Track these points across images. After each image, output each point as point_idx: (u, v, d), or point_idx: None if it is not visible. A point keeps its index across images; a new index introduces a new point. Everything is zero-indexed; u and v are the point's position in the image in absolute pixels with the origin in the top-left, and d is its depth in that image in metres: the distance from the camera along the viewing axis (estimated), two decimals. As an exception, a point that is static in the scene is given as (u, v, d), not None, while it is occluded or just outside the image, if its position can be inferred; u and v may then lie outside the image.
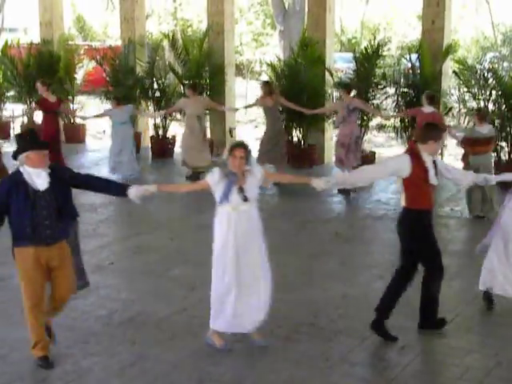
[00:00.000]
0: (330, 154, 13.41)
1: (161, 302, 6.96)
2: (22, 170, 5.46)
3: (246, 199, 5.75)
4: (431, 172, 5.97)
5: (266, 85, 11.93)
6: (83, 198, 10.76)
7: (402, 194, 6.12)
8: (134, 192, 5.75)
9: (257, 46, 28.59)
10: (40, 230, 5.44)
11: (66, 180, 5.60)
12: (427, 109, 10.78)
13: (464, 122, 12.54)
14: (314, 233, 9.42)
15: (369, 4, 32.10)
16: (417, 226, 6.04)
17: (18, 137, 5.65)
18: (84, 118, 14.50)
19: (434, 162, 6.02)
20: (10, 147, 15.79)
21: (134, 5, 15.20)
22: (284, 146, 12.02)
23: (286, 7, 20.04)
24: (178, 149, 14.04)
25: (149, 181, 12.60)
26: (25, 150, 5.42)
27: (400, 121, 12.54)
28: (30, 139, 5.48)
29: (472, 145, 9.65)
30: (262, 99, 11.79)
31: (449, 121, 13.06)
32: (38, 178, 5.43)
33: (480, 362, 5.79)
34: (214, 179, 5.81)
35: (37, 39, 17.66)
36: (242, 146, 5.80)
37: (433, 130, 6.06)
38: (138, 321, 6.57)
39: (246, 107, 13.82)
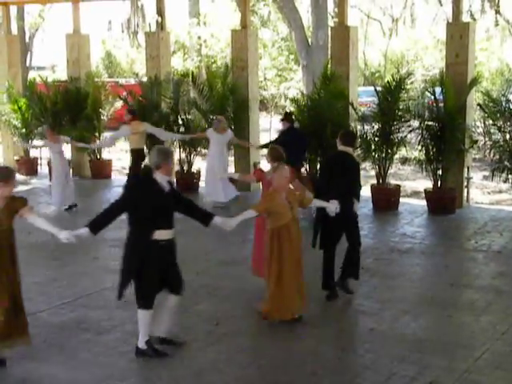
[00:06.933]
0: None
1: (185, 338, 6.93)
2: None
3: None
4: None
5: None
6: (106, 234, 10.79)
7: None
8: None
9: (281, 81, 28.75)
10: None
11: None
12: None
13: (490, 155, 12.44)
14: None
15: (392, 38, 32.18)
16: None
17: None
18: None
19: None
20: (38, 183, 16.02)
21: (159, 42, 15.42)
22: None
23: (310, 42, 20.16)
24: (202, 183, 14.11)
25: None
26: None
27: (425, 154, 12.46)
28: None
29: None
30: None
31: (474, 153, 12.96)
32: None
33: (510, 399, 5.69)
34: None
35: (64, 77, 17.93)
36: None
37: None
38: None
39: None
